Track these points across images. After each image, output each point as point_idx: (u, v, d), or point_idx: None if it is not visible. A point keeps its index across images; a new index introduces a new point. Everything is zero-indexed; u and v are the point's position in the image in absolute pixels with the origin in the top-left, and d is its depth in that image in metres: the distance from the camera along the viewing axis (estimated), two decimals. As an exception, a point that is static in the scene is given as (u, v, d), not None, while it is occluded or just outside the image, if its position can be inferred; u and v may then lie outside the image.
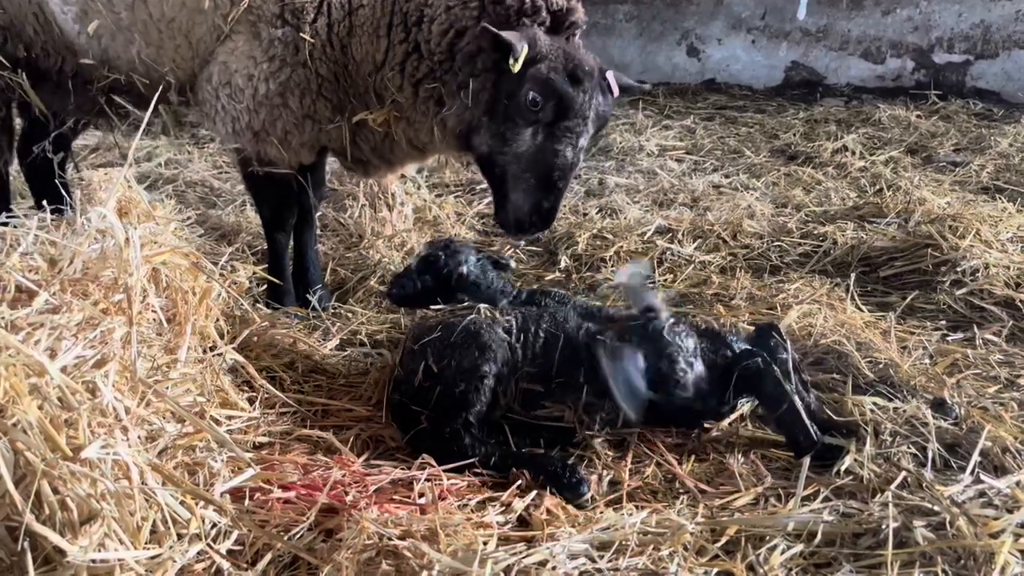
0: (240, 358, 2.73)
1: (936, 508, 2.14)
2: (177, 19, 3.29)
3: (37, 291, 2.18)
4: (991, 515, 2.10)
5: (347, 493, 2.21)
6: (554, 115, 3.02)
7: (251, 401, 2.67)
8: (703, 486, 2.40)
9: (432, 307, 3.18)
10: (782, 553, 2.04)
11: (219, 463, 2.19)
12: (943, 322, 3.54)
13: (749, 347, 2.67)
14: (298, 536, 2.05)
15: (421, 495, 2.24)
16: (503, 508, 2.25)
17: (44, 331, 2.03)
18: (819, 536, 2.09)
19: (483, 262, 3.15)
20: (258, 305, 3.50)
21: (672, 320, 2.67)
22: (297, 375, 2.96)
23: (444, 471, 2.37)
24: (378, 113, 3.27)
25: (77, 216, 2.51)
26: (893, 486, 2.26)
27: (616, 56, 10.20)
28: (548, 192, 3.12)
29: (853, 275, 3.92)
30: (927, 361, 3.15)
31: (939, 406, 2.70)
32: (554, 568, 1.96)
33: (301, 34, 3.17)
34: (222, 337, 2.78)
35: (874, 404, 2.67)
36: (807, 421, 2.44)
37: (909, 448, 2.46)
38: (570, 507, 2.26)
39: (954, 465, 2.42)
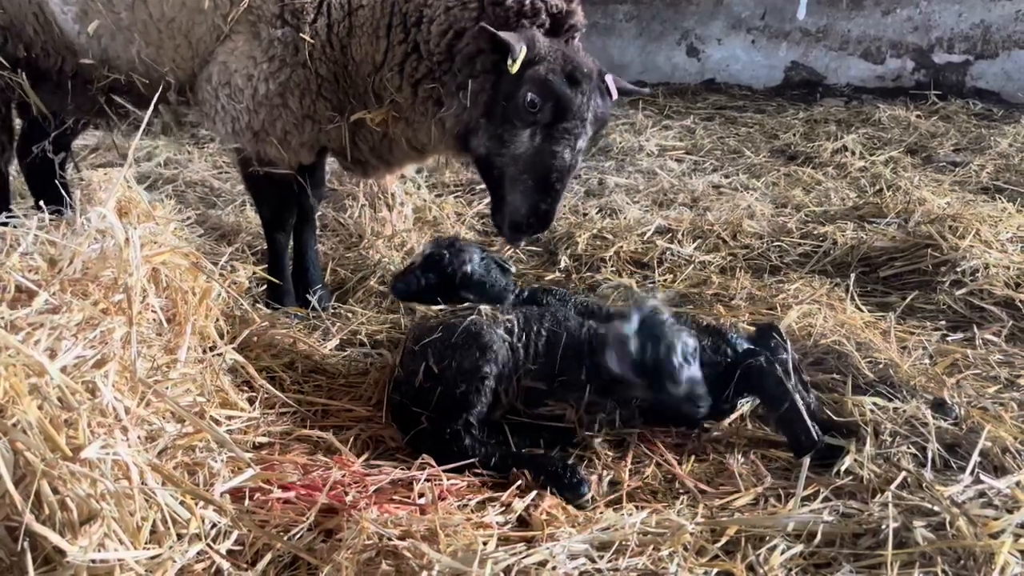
0: (240, 358, 2.73)
1: (936, 508, 2.14)
2: (177, 19, 3.29)
3: (37, 291, 2.18)
4: (991, 515, 2.10)
5: (347, 493, 2.21)
6: (552, 117, 3.02)
7: (251, 401, 2.67)
8: (703, 486, 2.40)
9: (434, 307, 3.18)
10: (782, 553, 2.04)
11: (219, 463, 2.19)
12: (943, 322, 3.54)
13: (751, 346, 2.67)
14: (298, 536, 2.05)
15: (421, 495, 2.24)
16: (503, 508, 2.25)
17: (44, 331, 2.03)
18: (819, 536, 2.09)
19: (487, 261, 3.15)
20: (258, 305, 3.51)
21: (674, 320, 2.67)
22: (297, 375, 2.96)
23: (444, 471, 2.37)
24: (376, 113, 3.27)
25: (77, 216, 2.51)
26: (893, 486, 2.26)
27: (616, 56, 10.20)
28: (546, 194, 3.11)
29: (853, 275, 3.92)
30: (927, 361, 3.15)
31: (939, 406, 2.70)
32: (554, 568, 1.96)
33: (301, 34, 3.18)
34: (222, 337, 2.78)
35: (874, 404, 2.67)
36: (809, 420, 2.45)
37: (909, 448, 2.46)
38: (570, 507, 2.26)
39: (954, 465, 2.42)
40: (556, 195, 3.14)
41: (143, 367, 2.24)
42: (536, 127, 3.05)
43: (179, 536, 1.92)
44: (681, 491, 2.39)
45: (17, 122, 4.13)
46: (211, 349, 2.70)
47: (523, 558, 1.97)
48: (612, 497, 2.35)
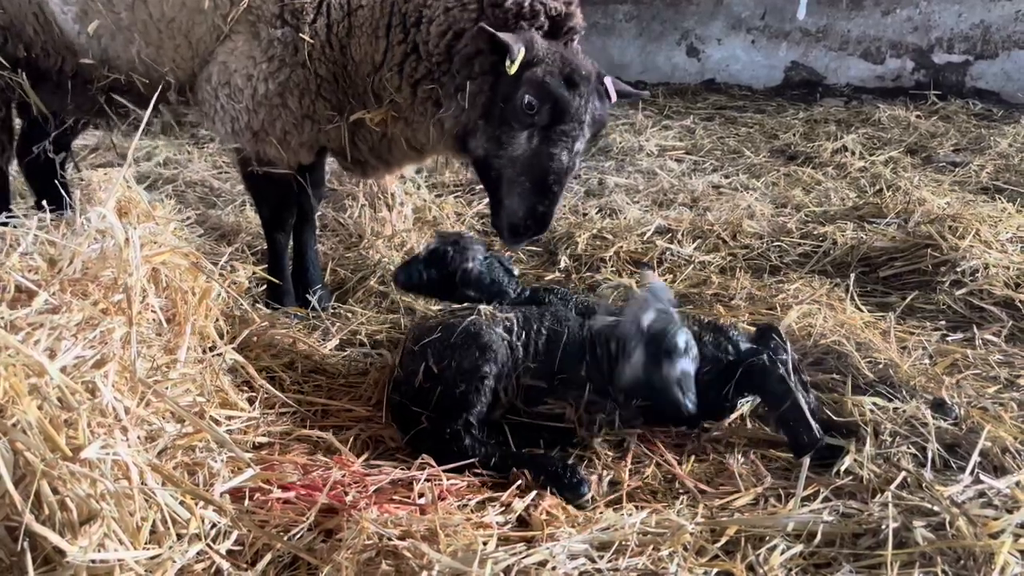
0: (240, 358, 2.73)
1: (936, 508, 2.14)
2: (177, 19, 3.29)
3: (37, 291, 2.18)
4: (991, 515, 2.10)
5: (347, 493, 2.21)
6: (550, 119, 3.02)
7: (251, 401, 2.67)
8: (703, 486, 2.40)
9: (434, 300, 3.16)
10: (782, 553, 2.04)
11: (219, 463, 2.19)
12: (943, 322, 3.54)
13: (753, 345, 2.68)
14: (298, 536, 2.05)
15: (421, 495, 2.24)
16: (503, 508, 2.25)
17: (44, 331, 2.03)
18: (819, 536, 2.09)
19: (490, 261, 3.16)
20: (258, 305, 3.51)
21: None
22: (297, 375, 2.96)
23: (444, 471, 2.37)
24: (375, 113, 3.27)
25: (77, 216, 2.51)
26: (893, 486, 2.26)
27: (616, 56, 10.21)
28: (543, 196, 3.11)
29: (853, 275, 3.92)
30: (927, 361, 3.15)
31: (939, 406, 2.70)
32: (554, 568, 1.96)
33: (300, 34, 3.18)
34: (222, 337, 2.78)
35: (874, 404, 2.67)
36: (810, 419, 2.45)
37: (909, 448, 2.46)
38: (570, 507, 2.26)
39: (954, 465, 2.42)
40: (554, 197, 3.13)
41: (143, 367, 2.24)
42: (534, 129, 3.05)
43: (179, 536, 1.92)
44: (681, 491, 2.39)
45: (17, 122, 4.13)
46: (211, 349, 2.70)
47: (523, 558, 1.97)
48: (612, 497, 2.35)
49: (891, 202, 4.87)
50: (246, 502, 2.15)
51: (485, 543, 2.03)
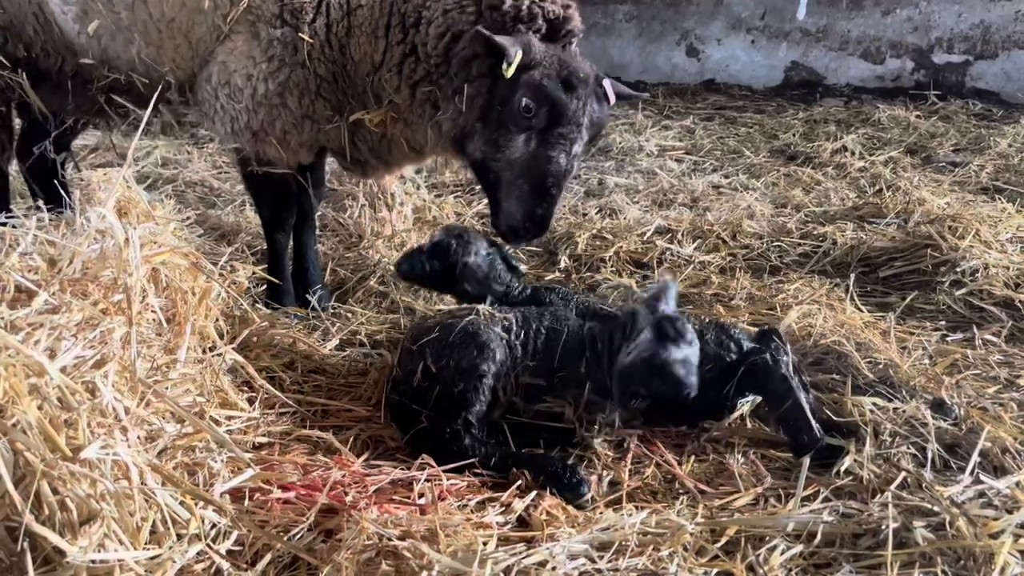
0: (240, 358, 2.73)
1: (936, 508, 2.14)
2: (177, 19, 3.29)
3: (37, 291, 2.18)
4: (991, 515, 2.10)
5: (347, 493, 2.21)
6: (547, 122, 3.01)
7: (251, 401, 2.67)
8: (703, 486, 2.40)
9: (436, 291, 3.21)
10: (782, 553, 2.04)
11: (219, 463, 2.19)
12: (943, 322, 3.54)
13: (755, 345, 2.69)
14: (298, 536, 2.05)
15: (421, 495, 2.24)
16: (503, 508, 2.25)
17: (44, 331, 2.03)
18: (819, 536, 2.09)
19: (493, 257, 3.16)
20: (257, 305, 3.50)
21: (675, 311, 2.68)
22: (297, 375, 2.96)
23: (444, 471, 2.37)
24: (374, 113, 3.27)
25: (76, 216, 2.51)
26: (893, 486, 2.26)
27: (616, 56, 10.21)
28: (541, 199, 3.11)
29: (853, 275, 3.92)
30: (927, 361, 3.15)
31: (939, 406, 2.70)
32: (554, 568, 1.96)
33: (300, 34, 3.17)
34: (222, 337, 2.78)
35: (874, 404, 2.67)
36: (811, 419, 2.45)
37: (909, 448, 2.46)
38: (570, 507, 2.26)
39: (954, 465, 2.42)
40: (552, 200, 3.14)
41: (143, 367, 2.24)
42: (531, 132, 3.05)
43: (179, 536, 1.92)
44: (681, 491, 2.39)
45: (17, 122, 4.13)
46: (211, 349, 2.69)
47: (523, 558, 1.97)
48: (612, 497, 2.35)
49: (891, 202, 4.87)
50: (246, 502, 2.15)
51: (485, 543, 2.03)
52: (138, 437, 2.04)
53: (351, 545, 1.94)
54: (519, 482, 2.35)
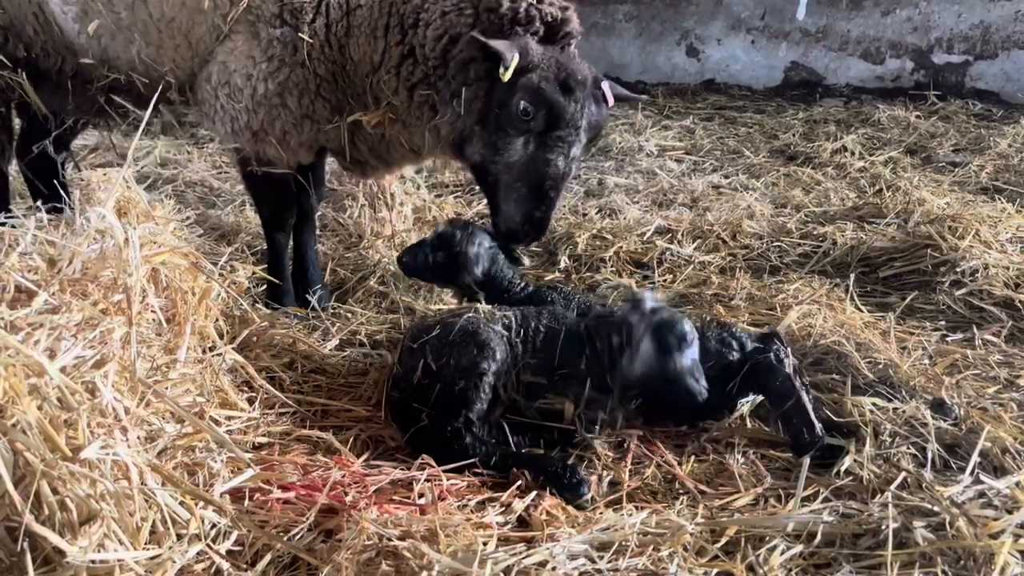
0: (239, 358, 2.73)
1: (936, 509, 2.14)
2: (177, 19, 3.29)
3: (36, 291, 2.18)
4: (991, 516, 2.10)
5: (347, 493, 2.21)
6: (545, 125, 3.01)
7: (251, 401, 2.67)
8: (703, 487, 2.40)
9: (439, 284, 3.29)
10: (782, 554, 2.04)
11: (219, 463, 2.19)
12: (942, 322, 3.54)
13: (759, 344, 2.70)
14: (298, 536, 2.05)
15: (421, 495, 2.24)
16: (503, 508, 2.25)
17: (43, 331, 2.03)
18: (819, 537, 2.09)
19: (495, 250, 3.19)
20: (257, 305, 3.50)
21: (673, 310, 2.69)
22: (297, 375, 2.96)
23: (444, 471, 2.37)
24: (372, 115, 3.27)
25: (76, 216, 2.51)
26: (893, 487, 2.26)
27: (616, 56, 10.20)
28: (540, 202, 3.12)
29: (852, 275, 3.91)
30: (927, 361, 3.15)
31: (938, 407, 2.70)
32: (554, 568, 1.96)
33: (300, 34, 3.17)
34: (221, 337, 2.78)
35: (874, 405, 2.67)
36: (813, 418, 2.46)
37: (909, 449, 2.46)
38: (570, 507, 2.26)
39: (954, 466, 2.42)
40: (551, 203, 3.14)
41: (143, 367, 2.24)
42: (529, 135, 3.05)
43: (179, 536, 1.92)
44: (681, 491, 2.39)
45: (17, 122, 4.13)
46: (211, 349, 2.69)
47: (523, 558, 1.97)
48: (612, 497, 2.35)
49: (891, 202, 4.87)
50: (246, 502, 2.15)
51: (485, 543, 2.03)
52: (138, 437, 2.04)
53: (351, 545, 1.94)
54: (519, 482, 2.35)
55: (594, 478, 2.42)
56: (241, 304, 3.07)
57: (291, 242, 3.79)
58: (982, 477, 2.30)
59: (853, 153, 6.51)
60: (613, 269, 4.22)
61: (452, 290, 3.51)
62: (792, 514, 2.17)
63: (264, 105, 3.29)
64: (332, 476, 2.26)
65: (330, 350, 3.20)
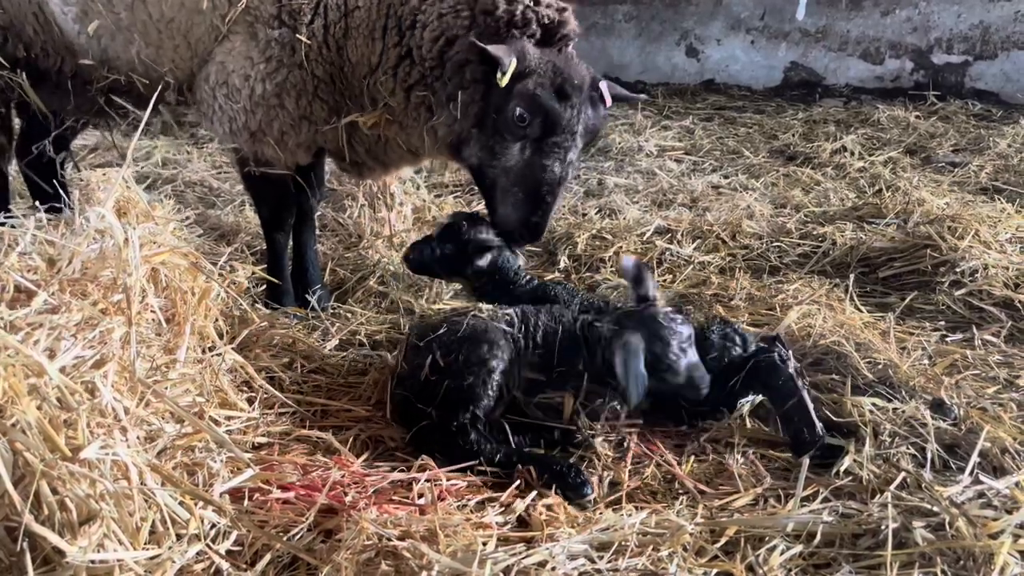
0: (239, 358, 2.73)
1: (935, 509, 2.14)
2: (176, 20, 3.29)
3: (36, 291, 2.18)
4: (990, 516, 2.10)
5: (346, 494, 2.21)
6: (542, 131, 3.02)
7: (250, 401, 2.67)
8: (702, 487, 2.40)
9: (445, 278, 3.33)
10: (781, 554, 2.04)
11: (218, 463, 2.19)
12: (942, 323, 3.54)
13: (762, 344, 2.72)
14: (297, 537, 2.05)
15: (420, 496, 2.24)
16: (503, 508, 2.25)
17: (43, 331, 2.03)
18: (818, 537, 2.09)
19: (500, 241, 3.23)
20: (257, 305, 3.50)
21: (668, 309, 2.70)
22: (296, 375, 2.96)
23: (443, 471, 2.37)
24: (369, 116, 3.27)
25: (76, 216, 2.51)
26: (892, 487, 2.26)
27: (615, 56, 10.20)
28: (537, 206, 3.13)
29: (852, 276, 3.92)
30: (926, 362, 3.15)
31: (938, 407, 2.70)
32: (553, 568, 1.96)
33: (298, 35, 3.17)
34: (221, 337, 2.77)
35: (873, 405, 2.67)
36: (814, 417, 2.46)
37: (908, 449, 2.46)
38: (569, 507, 2.26)
39: (953, 466, 2.42)
40: (547, 207, 3.15)
41: (142, 367, 2.24)
42: (526, 141, 3.06)
43: (178, 536, 1.92)
44: (681, 491, 2.39)
45: (16, 122, 4.13)
46: (210, 349, 2.69)
47: (523, 558, 1.97)
48: (612, 498, 2.35)
49: (890, 202, 4.87)
50: (245, 502, 2.15)
51: (485, 543, 2.03)
52: (137, 437, 2.04)
53: (351, 545, 1.94)
54: (518, 482, 2.35)
55: (594, 478, 2.42)
56: (241, 304, 3.07)
57: (291, 242, 3.79)
58: (981, 477, 2.30)
59: (853, 153, 6.51)
60: (613, 269, 4.22)
61: (459, 283, 3.52)
62: (792, 514, 2.17)
63: (262, 106, 3.29)
64: (332, 476, 2.26)
65: (330, 350, 3.20)
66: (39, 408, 1.83)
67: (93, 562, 1.73)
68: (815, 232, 4.58)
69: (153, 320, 2.49)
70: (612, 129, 7.40)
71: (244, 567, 1.95)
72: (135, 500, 1.86)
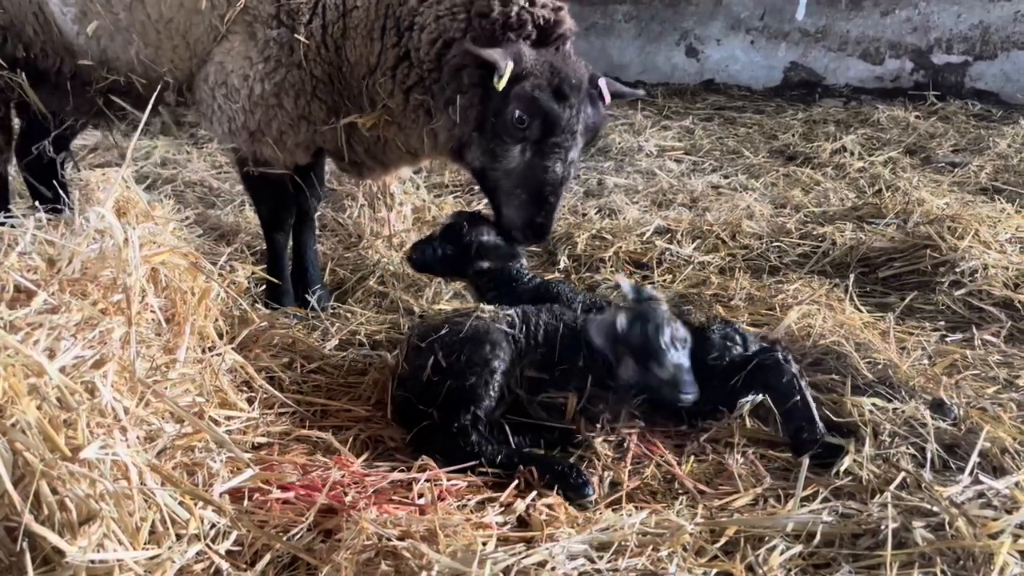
0: (239, 358, 2.73)
1: (935, 509, 2.14)
2: (175, 20, 3.29)
3: (36, 291, 2.18)
4: (990, 516, 2.10)
5: (346, 494, 2.21)
6: (541, 133, 3.01)
7: (250, 401, 2.67)
8: (702, 487, 2.40)
9: (447, 277, 3.32)
10: (781, 554, 2.04)
11: (218, 463, 2.19)
12: (942, 323, 3.54)
13: (765, 344, 2.73)
14: (297, 537, 2.05)
15: (420, 496, 2.24)
16: (502, 508, 2.25)
17: (43, 331, 2.03)
18: (818, 537, 2.09)
19: (502, 239, 3.24)
20: (257, 305, 3.50)
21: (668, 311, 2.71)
22: (296, 375, 2.96)
23: (443, 472, 2.37)
24: (367, 117, 3.26)
25: (75, 216, 2.51)
26: (892, 487, 2.26)
27: (615, 56, 10.20)
28: (540, 208, 3.13)
29: (852, 276, 3.92)
30: (926, 362, 3.15)
31: (938, 407, 2.70)
32: (553, 569, 1.96)
33: (296, 35, 3.17)
34: (221, 337, 2.77)
35: (873, 405, 2.67)
36: (815, 416, 2.47)
37: (908, 449, 2.46)
38: (569, 507, 2.26)
39: (953, 466, 2.42)
40: (551, 208, 3.15)
41: (142, 367, 2.24)
42: (526, 143, 3.05)
43: (178, 536, 1.92)
44: (681, 491, 2.39)
45: (16, 122, 4.13)
46: (210, 349, 2.69)
47: (522, 558, 1.97)
48: (612, 498, 2.35)
49: (890, 202, 4.87)
50: (245, 502, 2.15)
51: (485, 543, 2.03)
52: (137, 437, 2.04)
53: (350, 545, 1.94)
54: (517, 482, 2.35)
55: (595, 479, 2.42)
56: (241, 304, 3.07)
57: (290, 242, 3.78)
58: (981, 477, 2.30)
59: (852, 153, 6.51)
60: (613, 269, 4.22)
61: (461, 283, 3.53)
62: (791, 514, 2.17)
63: (261, 106, 3.29)
64: (331, 476, 2.26)
65: (329, 350, 3.20)
66: (39, 408, 1.83)
67: (93, 562, 1.73)
68: (815, 232, 4.58)
69: (153, 320, 2.49)
70: (612, 129, 7.40)
71: (244, 567, 1.95)
72: (135, 500, 1.86)
